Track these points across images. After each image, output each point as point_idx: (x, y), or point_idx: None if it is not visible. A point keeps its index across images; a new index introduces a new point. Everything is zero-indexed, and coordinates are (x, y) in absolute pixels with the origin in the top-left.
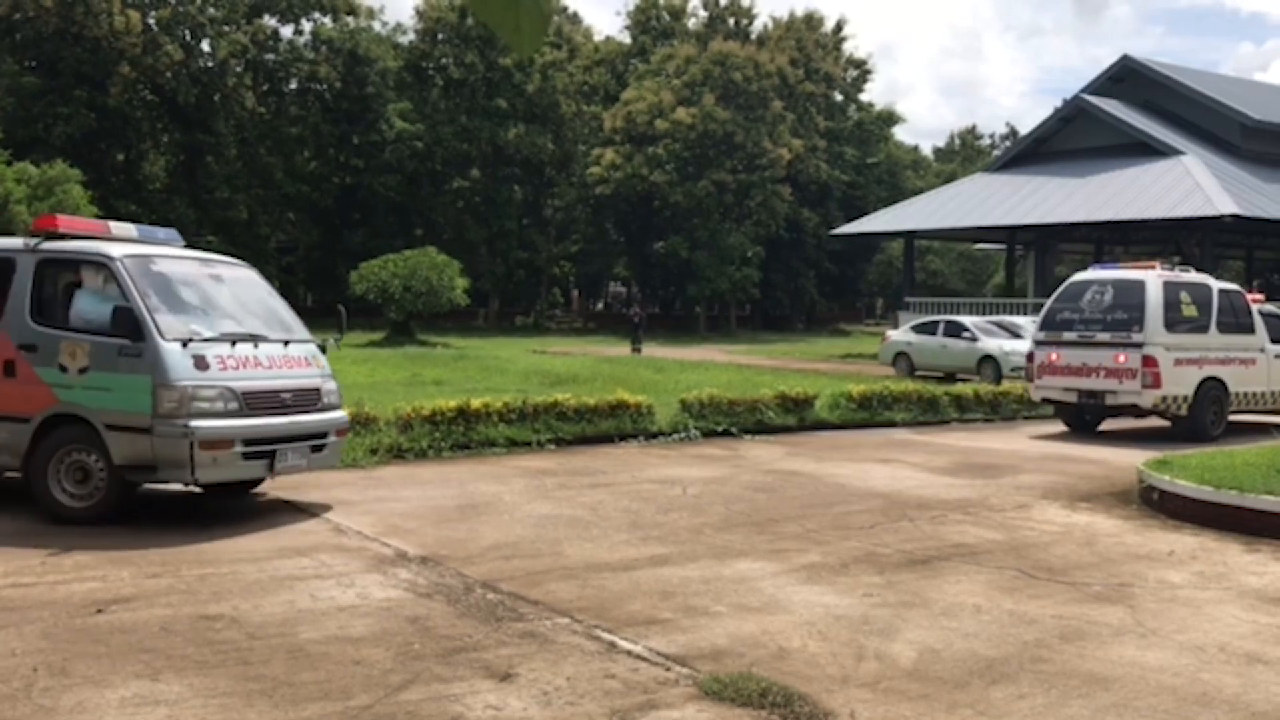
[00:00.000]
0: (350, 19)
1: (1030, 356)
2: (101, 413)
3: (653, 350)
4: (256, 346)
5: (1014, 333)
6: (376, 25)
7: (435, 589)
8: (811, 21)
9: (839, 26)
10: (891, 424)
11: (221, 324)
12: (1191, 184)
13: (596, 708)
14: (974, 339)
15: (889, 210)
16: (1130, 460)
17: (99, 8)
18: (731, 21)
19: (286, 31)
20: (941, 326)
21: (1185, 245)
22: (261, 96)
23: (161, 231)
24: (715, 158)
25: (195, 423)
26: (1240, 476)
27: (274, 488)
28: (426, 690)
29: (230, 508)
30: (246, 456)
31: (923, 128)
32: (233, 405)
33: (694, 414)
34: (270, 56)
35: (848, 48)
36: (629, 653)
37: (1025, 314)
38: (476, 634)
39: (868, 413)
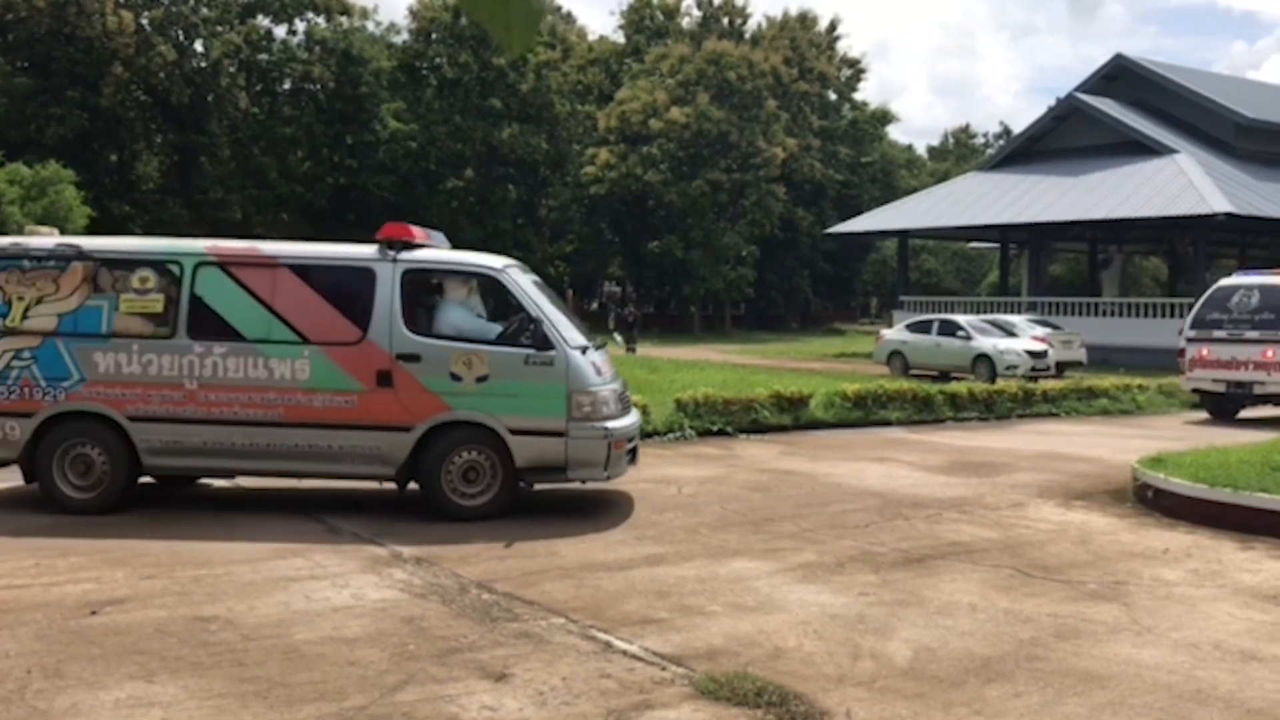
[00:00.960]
0: (344, 19)
1: (1181, 352)
2: (505, 418)
3: (647, 350)
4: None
5: (1008, 331)
6: (370, 25)
7: (430, 589)
8: (805, 21)
9: (833, 26)
10: (886, 423)
11: (571, 330)
12: (1185, 183)
13: (592, 707)
14: (968, 338)
15: (883, 209)
16: (1125, 458)
17: (92, 8)
18: (725, 21)
19: (280, 32)
20: (936, 325)
21: (1179, 244)
22: (255, 97)
23: (436, 234)
24: (709, 157)
25: (610, 424)
26: (1234, 474)
27: (275, 485)
28: (422, 691)
29: (227, 509)
30: (629, 454)
31: (917, 127)
32: (617, 407)
33: (689, 413)
34: (264, 57)
35: (842, 47)
36: (624, 652)
37: (1019, 313)
38: (472, 634)
39: (863, 412)
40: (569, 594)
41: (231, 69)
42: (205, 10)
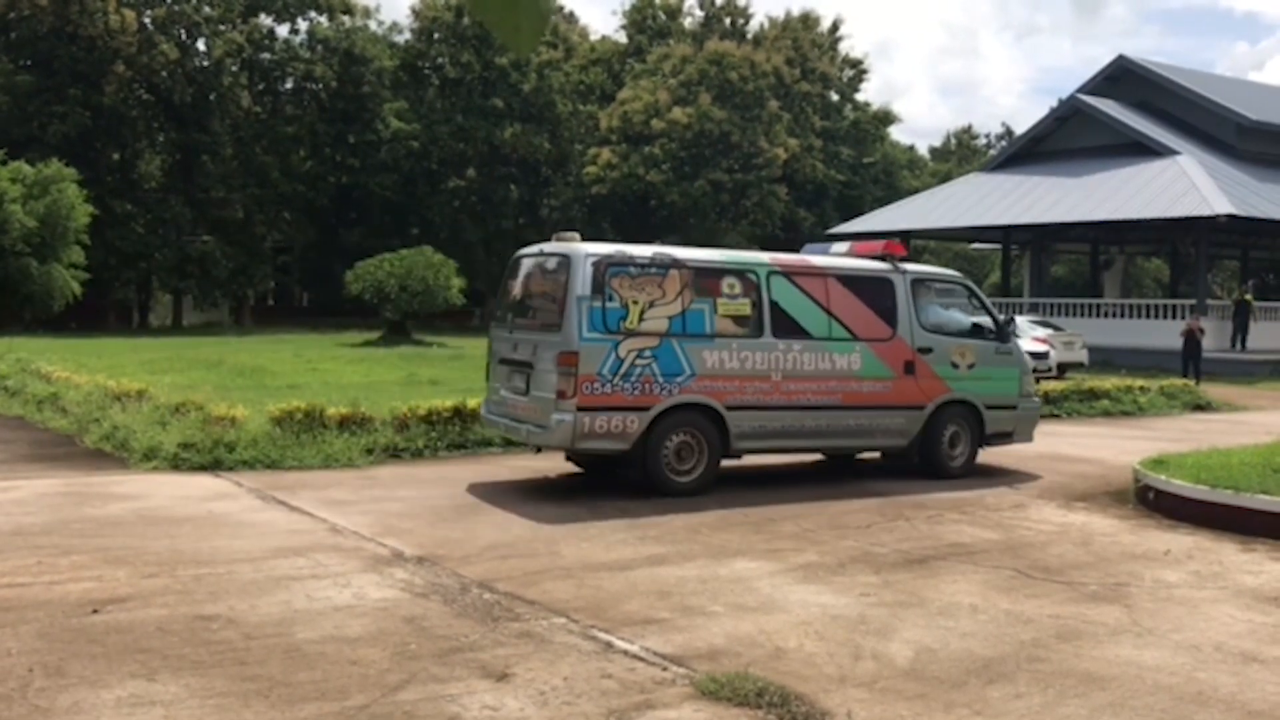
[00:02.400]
0: (346, 18)
1: None
2: (983, 397)
3: None
4: None
5: None
6: (372, 25)
7: (431, 589)
8: (808, 21)
9: (835, 26)
10: None
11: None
12: (1187, 184)
13: (593, 707)
14: None
15: (885, 210)
16: (1126, 460)
17: (94, 7)
18: (728, 21)
19: (282, 31)
20: None
21: (1181, 245)
22: (257, 96)
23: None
24: (711, 157)
25: (1036, 399)
26: (1236, 476)
27: (271, 486)
28: (423, 690)
29: (225, 509)
30: None
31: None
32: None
33: None
34: (266, 56)
35: (844, 47)
36: (625, 652)
37: (1021, 314)
38: (473, 634)
39: None
40: (570, 594)
41: (234, 68)
42: (207, 9)
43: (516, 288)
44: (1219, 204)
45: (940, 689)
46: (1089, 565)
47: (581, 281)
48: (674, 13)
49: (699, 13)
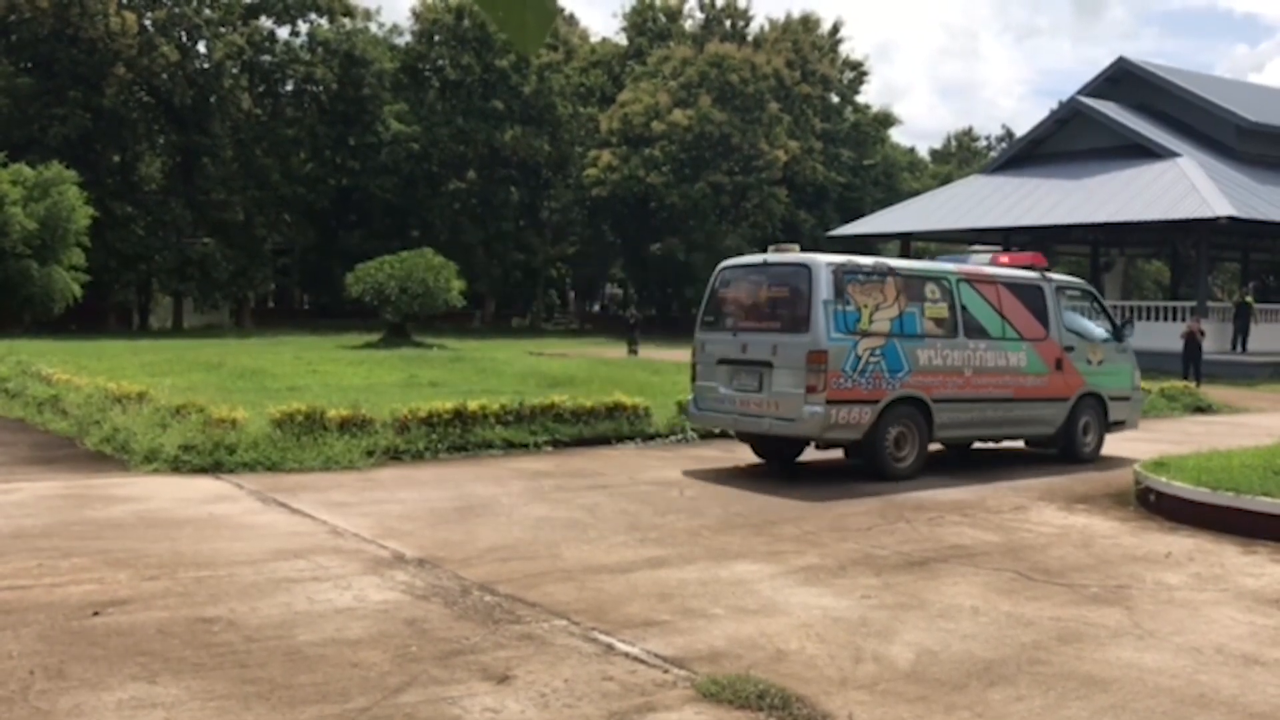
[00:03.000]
0: (346, 20)
1: None
2: (1108, 390)
3: (649, 352)
4: None
5: None
6: (373, 27)
7: (432, 591)
8: (808, 23)
9: (835, 28)
10: None
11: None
12: (1187, 186)
13: (594, 710)
14: None
15: (885, 212)
16: (1127, 462)
17: (95, 9)
18: (728, 23)
19: (283, 33)
20: None
21: (1181, 247)
22: (257, 98)
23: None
24: (711, 159)
25: (1142, 390)
26: (1237, 478)
27: (272, 488)
28: (424, 693)
29: (226, 511)
30: None
31: (920, 129)
32: None
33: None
34: (266, 58)
35: (844, 49)
36: (627, 655)
37: None
38: (474, 636)
39: None
40: (571, 596)
41: (234, 70)
42: (208, 11)
43: (737, 295)
44: (1219, 206)
45: (941, 691)
46: (1090, 567)
47: (825, 287)
48: (674, 15)
49: (699, 15)
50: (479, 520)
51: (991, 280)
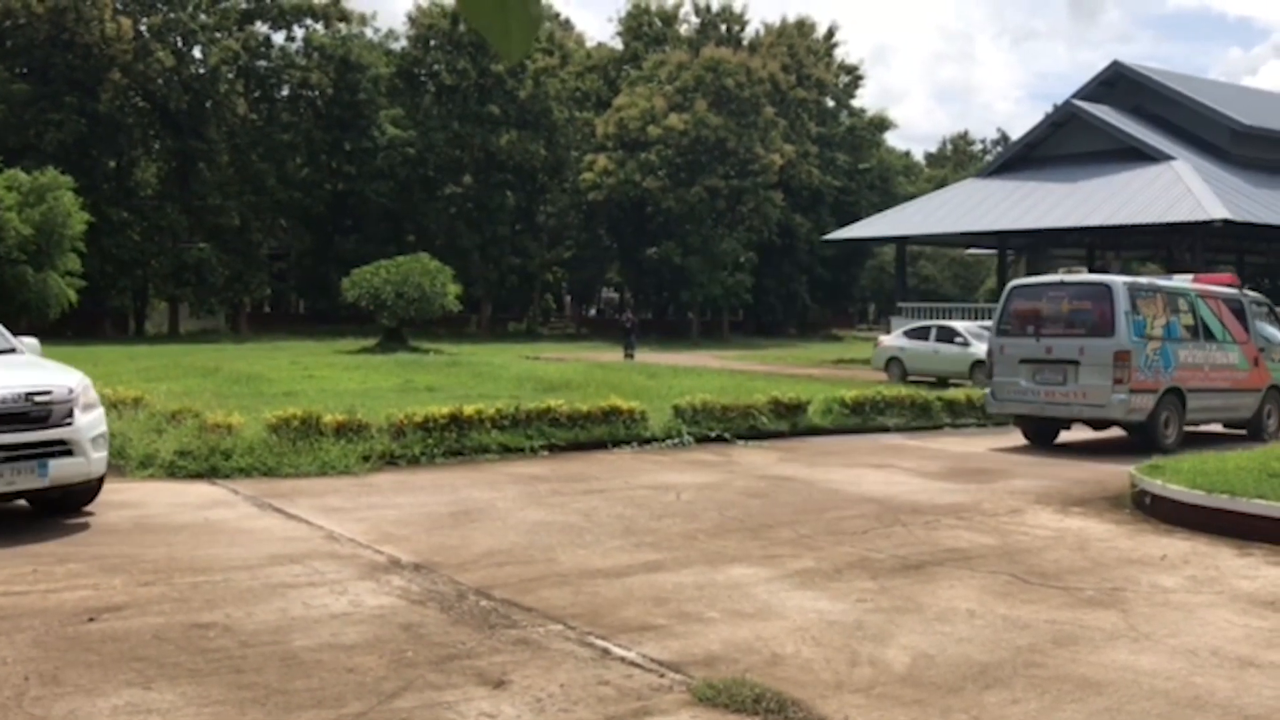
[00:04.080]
0: (342, 25)
1: None
2: (1277, 381)
3: (645, 356)
4: None
5: None
6: (368, 32)
7: (428, 596)
8: (803, 28)
9: (830, 33)
10: (884, 429)
11: None
12: (1182, 189)
13: (590, 714)
14: (966, 344)
15: (881, 216)
16: (1122, 465)
17: (90, 14)
18: (723, 28)
19: (278, 38)
20: (934, 332)
21: (1176, 250)
22: (253, 103)
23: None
24: (707, 164)
25: None
26: (1232, 481)
27: (268, 493)
28: (420, 698)
29: (222, 516)
30: None
31: (916, 133)
32: None
33: (687, 419)
34: (262, 63)
35: (839, 54)
36: (622, 659)
37: None
38: (470, 641)
39: (860, 418)
40: (567, 600)
41: (230, 75)
42: (204, 17)
43: (1036, 308)
44: (1214, 209)
45: (937, 694)
46: (1085, 570)
47: (1124, 300)
48: (670, 19)
49: (695, 19)
50: (475, 525)
51: (1215, 296)
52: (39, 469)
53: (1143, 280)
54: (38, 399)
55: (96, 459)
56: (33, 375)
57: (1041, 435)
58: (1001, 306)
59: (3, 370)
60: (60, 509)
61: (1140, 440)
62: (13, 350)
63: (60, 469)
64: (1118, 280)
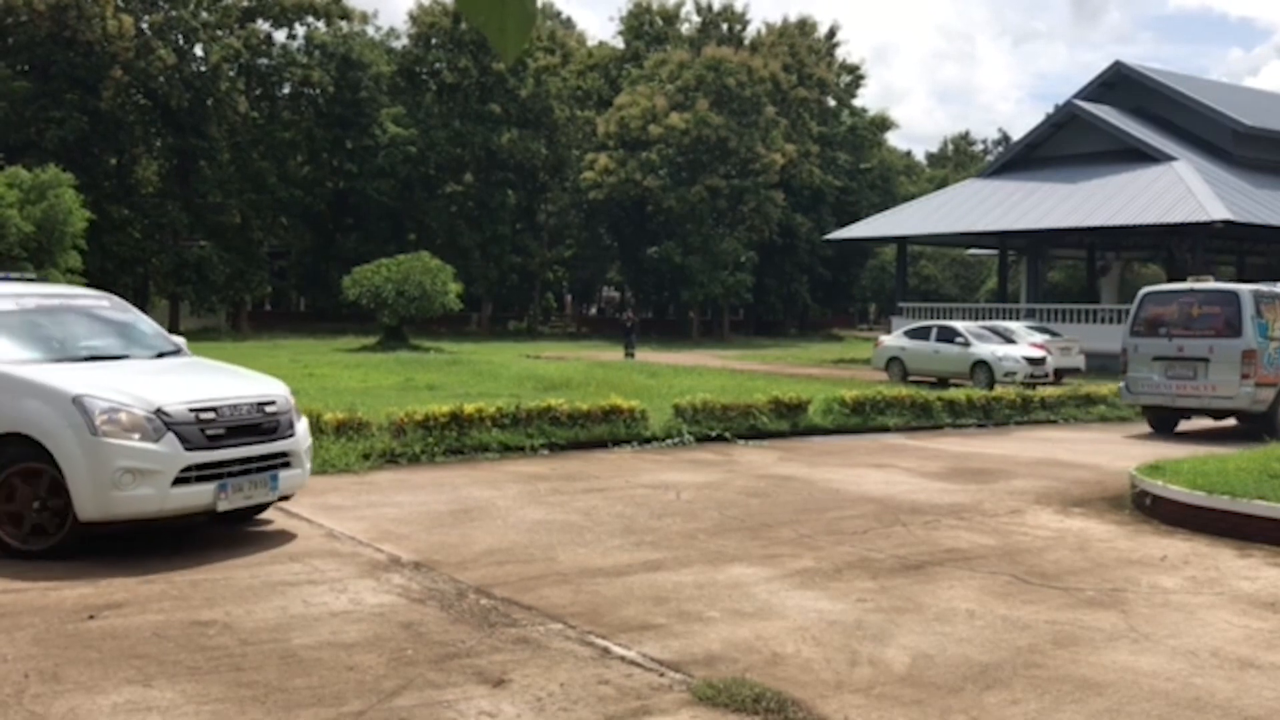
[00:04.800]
0: (343, 24)
1: None
2: None
3: (646, 355)
4: None
5: (1007, 338)
6: (370, 30)
7: (428, 594)
8: (805, 27)
9: (832, 32)
10: (884, 429)
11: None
12: (1183, 190)
13: (590, 714)
14: (967, 344)
15: (882, 216)
16: (1123, 465)
17: (92, 12)
18: (725, 27)
19: (280, 36)
20: (934, 332)
21: (1177, 251)
22: (254, 101)
23: None
24: (708, 163)
25: None
26: (1233, 482)
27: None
28: (419, 696)
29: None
30: None
31: (917, 133)
32: None
33: (687, 419)
34: (263, 61)
35: (841, 53)
36: (622, 658)
37: (1018, 319)
38: (470, 640)
39: (861, 418)
40: (567, 599)
41: (231, 73)
42: (205, 14)
43: (1168, 311)
44: (1215, 210)
45: (937, 695)
46: (1085, 571)
47: (1250, 306)
48: (671, 18)
49: (696, 19)
50: (475, 524)
51: (1269, 297)
52: (271, 482)
53: (1264, 288)
54: (267, 409)
55: (308, 470)
56: (248, 383)
57: (1165, 424)
58: (1134, 311)
59: (213, 376)
60: (226, 521)
61: (1262, 427)
62: (178, 351)
63: (286, 481)
64: (1244, 288)
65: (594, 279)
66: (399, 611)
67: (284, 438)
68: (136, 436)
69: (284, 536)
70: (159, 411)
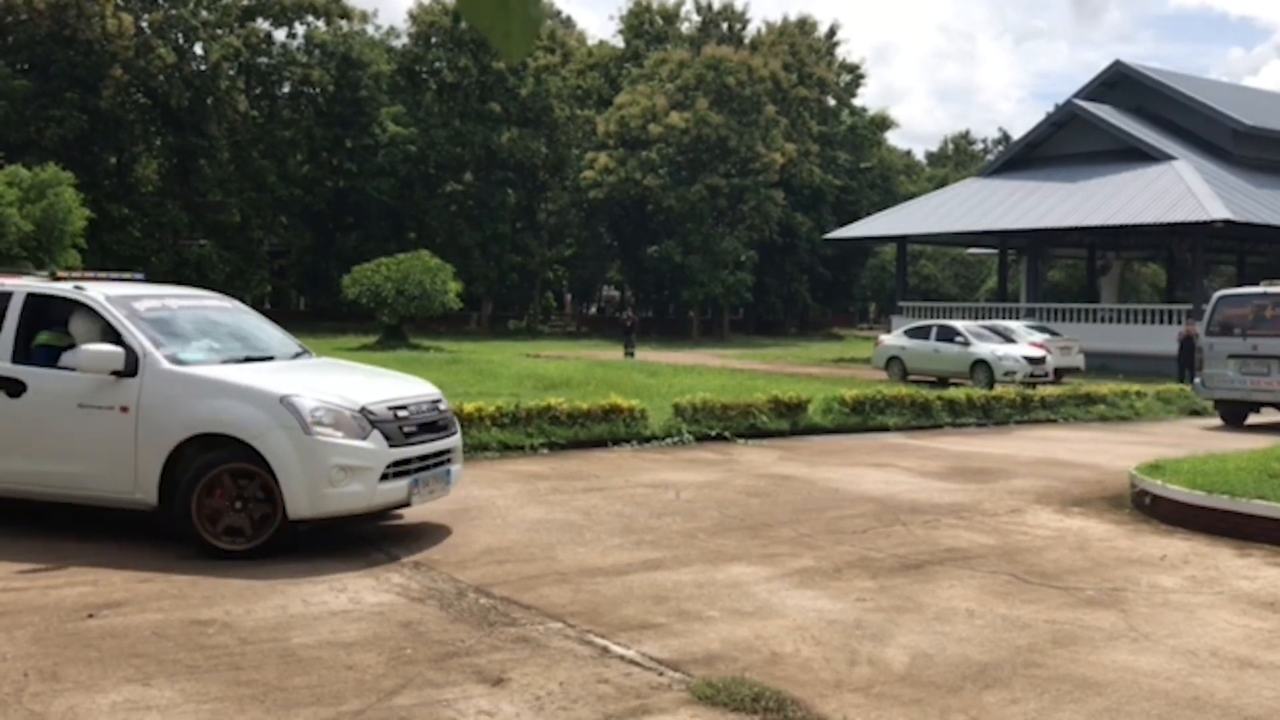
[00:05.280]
0: (343, 23)
1: None
2: None
3: (646, 354)
4: None
5: (1007, 337)
6: (370, 29)
7: (428, 594)
8: (805, 26)
9: (832, 31)
10: (884, 428)
11: None
12: (1183, 189)
13: (589, 713)
14: (967, 344)
15: (882, 215)
16: (1123, 465)
17: (91, 11)
18: (725, 26)
19: (279, 35)
20: (934, 331)
21: (1178, 250)
22: (254, 100)
23: None
24: (708, 162)
25: None
26: (1232, 481)
27: None
28: (419, 695)
29: None
30: None
31: (917, 132)
32: None
33: (687, 418)
34: (263, 60)
35: (841, 52)
36: (622, 657)
37: (1018, 319)
38: (469, 639)
39: (860, 417)
40: (566, 599)
41: (231, 72)
42: (205, 13)
43: (1243, 313)
44: (1215, 209)
45: (936, 694)
46: (1085, 570)
47: None
48: (671, 18)
49: (696, 18)
50: (474, 522)
51: None
52: (446, 477)
53: None
54: (439, 406)
55: (461, 468)
56: (410, 383)
57: (1236, 416)
58: (1210, 313)
59: (373, 376)
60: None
61: None
62: (307, 352)
63: (455, 476)
64: None
65: (594, 278)
66: (398, 610)
67: (452, 434)
68: (343, 435)
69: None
70: (364, 410)
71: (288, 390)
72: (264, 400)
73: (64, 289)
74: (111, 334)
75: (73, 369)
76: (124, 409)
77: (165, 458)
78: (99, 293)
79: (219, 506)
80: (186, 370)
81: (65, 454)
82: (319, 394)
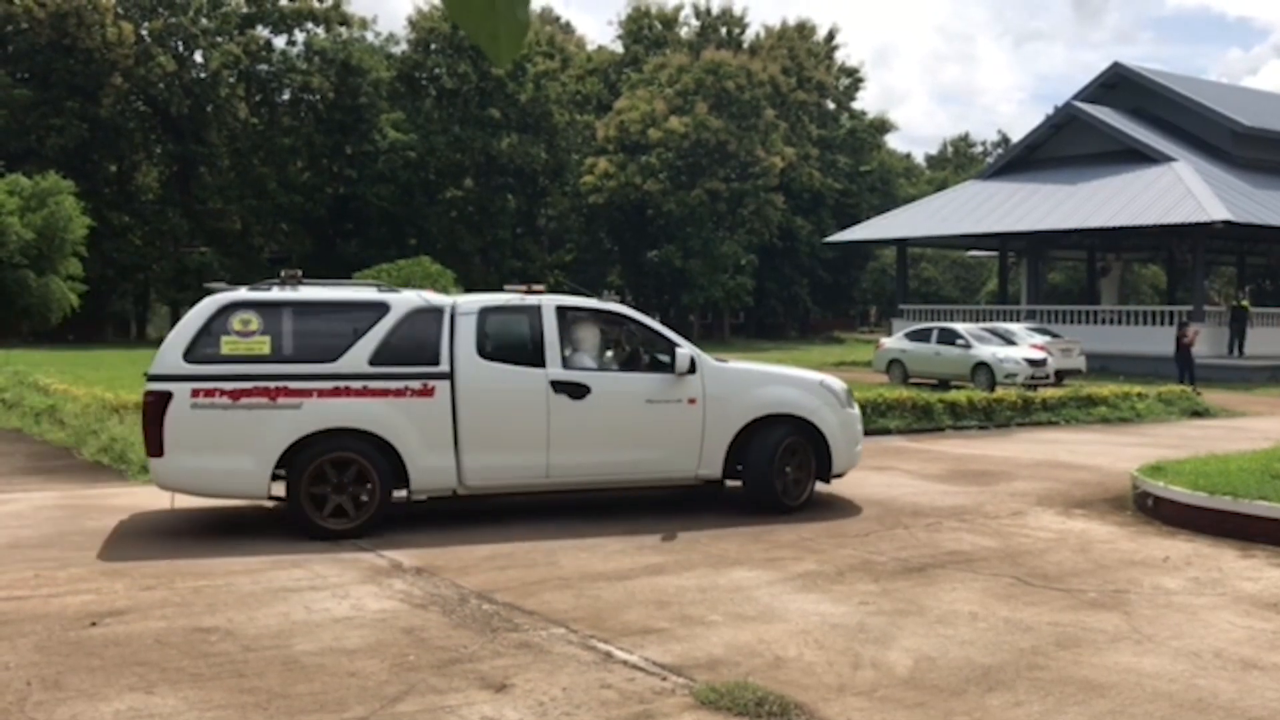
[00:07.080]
0: (343, 29)
1: None
2: None
3: None
4: None
5: (1007, 340)
6: (369, 36)
7: (430, 600)
8: (804, 30)
9: (831, 35)
10: (886, 431)
11: None
12: (1183, 191)
13: (592, 718)
14: (968, 346)
15: (882, 218)
16: (1124, 466)
17: (92, 19)
18: (724, 30)
19: (279, 42)
20: (935, 334)
21: (1178, 251)
22: (254, 107)
23: None
24: (708, 166)
25: None
26: (1234, 482)
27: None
28: (422, 701)
29: (226, 520)
30: None
31: (916, 135)
32: None
33: None
34: (263, 67)
35: (840, 56)
36: (625, 662)
37: (1019, 321)
38: (472, 645)
39: (862, 420)
40: (569, 604)
41: (231, 79)
42: (205, 21)
43: None
44: (1215, 210)
45: (939, 697)
46: (1088, 572)
47: None
48: (670, 23)
49: (695, 22)
50: (476, 528)
51: None
52: None
53: None
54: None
55: None
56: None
57: None
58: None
59: (787, 369)
60: None
61: None
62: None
63: None
64: None
65: (594, 283)
66: (401, 617)
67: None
68: (855, 408)
69: (285, 543)
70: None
71: (821, 376)
72: (808, 384)
73: (592, 302)
74: (638, 339)
75: (643, 373)
76: (691, 400)
77: (732, 437)
78: (619, 306)
79: (785, 471)
80: (727, 366)
81: (637, 443)
82: (824, 379)
